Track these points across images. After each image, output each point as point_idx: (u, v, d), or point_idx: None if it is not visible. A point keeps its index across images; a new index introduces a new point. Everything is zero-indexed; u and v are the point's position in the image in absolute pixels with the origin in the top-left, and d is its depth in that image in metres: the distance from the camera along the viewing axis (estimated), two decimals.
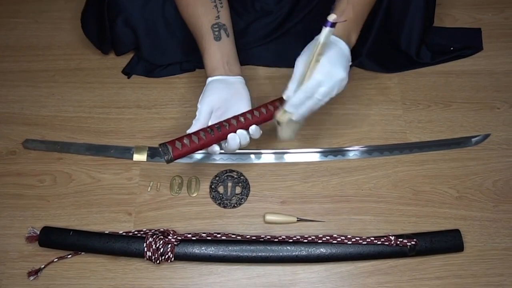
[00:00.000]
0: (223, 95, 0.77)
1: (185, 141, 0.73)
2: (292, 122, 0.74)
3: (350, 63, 0.74)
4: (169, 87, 0.99)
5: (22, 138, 0.93)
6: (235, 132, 0.75)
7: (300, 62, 0.71)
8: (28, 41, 1.06)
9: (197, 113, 0.76)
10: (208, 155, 0.90)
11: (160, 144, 0.73)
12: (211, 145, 0.75)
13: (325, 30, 0.65)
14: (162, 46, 0.99)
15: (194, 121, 0.76)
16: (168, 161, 0.73)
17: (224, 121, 0.76)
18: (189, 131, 0.75)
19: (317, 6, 0.97)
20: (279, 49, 1.01)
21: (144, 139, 0.93)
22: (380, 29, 0.96)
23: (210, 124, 0.76)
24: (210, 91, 0.77)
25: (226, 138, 0.75)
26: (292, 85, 0.71)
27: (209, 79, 0.79)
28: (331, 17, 0.64)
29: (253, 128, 0.76)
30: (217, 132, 0.74)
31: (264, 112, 0.77)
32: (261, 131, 0.78)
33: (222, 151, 0.79)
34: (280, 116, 0.73)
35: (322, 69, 0.69)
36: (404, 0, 0.93)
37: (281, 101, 0.77)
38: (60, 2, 1.11)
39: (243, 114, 0.77)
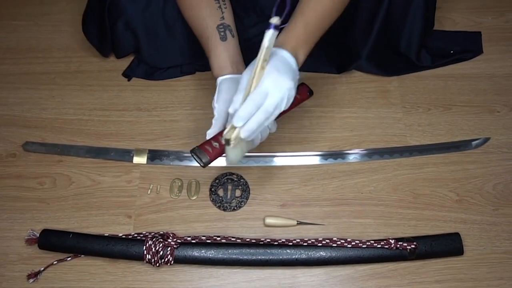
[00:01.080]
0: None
1: (214, 143, 0.72)
2: (240, 141, 0.66)
3: (298, 77, 0.70)
4: (170, 90, 0.99)
5: (22, 141, 0.93)
6: None
7: (245, 73, 0.67)
8: (29, 43, 1.06)
9: (215, 113, 0.75)
10: None
11: (192, 150, 0.72)
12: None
13: (268, 33, 0.61)
14: (163, 49, 0.99)
15: (214, 121, 0.75)
16: (205, 165, 0.72)
17: None
18: (210, 131, 0.74)
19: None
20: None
21: (144, 142, 0.93)
22: (380, 32, 0.96)
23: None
24: (224, 90, 0.76)
25: None
26: (237, 97, 0.65)
27: (220, 78, 0.78)
28: (274, 20, 0.60)
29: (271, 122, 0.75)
30: None
31: None
32: (277, 125, 0.77)
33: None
34: (227, 132, 0.66)
35: (268, 77, 0.65)
36: (404, 3, 0.94)
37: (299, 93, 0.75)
38: (61, 4, 1.12)
39: None
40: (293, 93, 0.68)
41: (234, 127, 0.65)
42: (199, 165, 0.72)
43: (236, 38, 0.83)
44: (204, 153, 0.71)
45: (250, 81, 0.65)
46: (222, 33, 0.80)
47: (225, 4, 0.83)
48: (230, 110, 0.66)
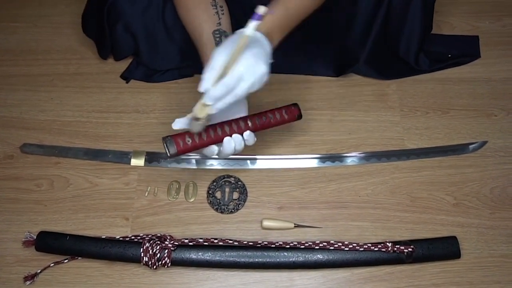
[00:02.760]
0: None
1: (187, 139, 0.73)
2: (207, 116, 0.70)
3: (272, 61, 0.71)
4: (168, 92, 0.99)
5: (20, 142, 0.93)
6: (231, 136, 0.75)
7: (220, 53, 0.66)
8: (28, 45, 1.06)
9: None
10: (205, 160, 0.90)
11: (164, 138, 0.72)
12: (209, 145, 0.74)
13: (252, 23, 0.62)
14: (161, 52, 0.99)
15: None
16: (171, 156, 0.72)
17: (226, 123, 0.75)
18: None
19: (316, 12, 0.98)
20: (279, 55, 1.01)
21: (142, 144, 0.93)
22: (378, 36, 0.96)
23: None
24: None
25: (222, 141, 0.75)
26: (210, 76, 0.66)
27: None
28: (260, 10, 0.61)
29: (247, 133, 0.76)
30: (217, 134, 0.74)
31: (264, 119, 0.78)
32: (256, 138, 0.77)
33: (217, 156, 0.78)
34: (199, 110, 0.68)
35: (244, 62, 0.65)
36: (402, 8, 0.94)
37: (286, 109, 0.79)
38: (60, 6, 1.12)
39: (244, 119, 0.76)
40: (265, 77, 0.68)
41: (204, 104, 0.67)
42: (167, 155, 0.73)
43: None
44: (175, 145, 0.72)
45: (225, 63, 0.65)
46: (217, 39, 0.80)
47: (222, 10, 0.83)
48: (201, 89, 0.66)
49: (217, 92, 0.65)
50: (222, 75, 0.65)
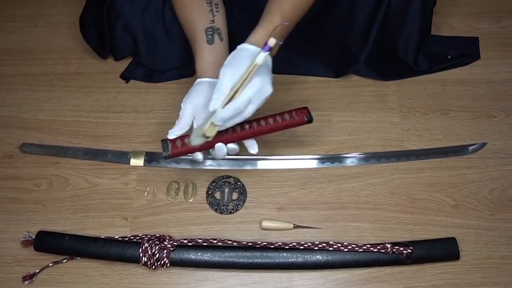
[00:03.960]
0: (208, 98, 0.75)
1: (186, 140, 0.74)
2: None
3: (273, 75, 0.72)
4: (167, 92, 0.99)
5: (19, 142, 0.93)
6: (226, 142, 0.74)
7: (226, 75, 0.68)
8: (27, 45, 1.06)
9: (180, 113, 0.75)
10: (205, 160, 0.90)
11: (163, 139, 0.74)
12: (205, 149, 0.75)
13: (263, 54, 0.65)
14: (161, 52, 0.99)
15: (176, 121, 0.75)
16: (166, 158, 0.74)
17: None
18: (172, 130, 0.74)
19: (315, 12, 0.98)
20: (278, 56, 1.01)
21: (141, 144, 0.93)
22: (378, 37, 0.96)
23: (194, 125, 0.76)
24: (195, 92, 0.77)
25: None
26: (218, 98, 0.68)
27: (198, 80, 0.79)
28: (271, 42, 0.65)
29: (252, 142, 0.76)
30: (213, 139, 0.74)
31: (263, 124, 0.77)
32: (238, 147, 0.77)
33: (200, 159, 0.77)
34: (208, 129, 0.70)
35: (254, 87, 0.67)
36: (402, 8, 0.94)
37: (282, 116, 0.76)
38: (59, 6, 1.12)
39: (242, 126, 0.75)
40: (270, 95, 0.70)
41: (213, 124, 0.69)
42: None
43: (225, 42, 0.83)
44: (168, 147, 0.74)
45: (233, 86, 0.67)
46: (209, 36, 0.80)
47: (217, 8, 0.84)
48: (210, 109, 0.68)
49: (226, 114, 0.68)
50: (230, 96, 0.67)
